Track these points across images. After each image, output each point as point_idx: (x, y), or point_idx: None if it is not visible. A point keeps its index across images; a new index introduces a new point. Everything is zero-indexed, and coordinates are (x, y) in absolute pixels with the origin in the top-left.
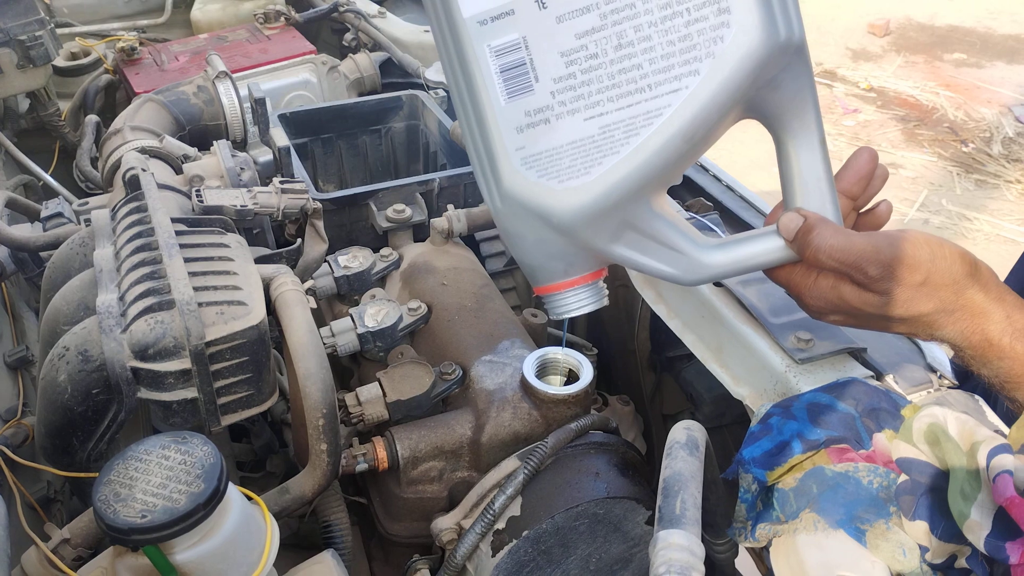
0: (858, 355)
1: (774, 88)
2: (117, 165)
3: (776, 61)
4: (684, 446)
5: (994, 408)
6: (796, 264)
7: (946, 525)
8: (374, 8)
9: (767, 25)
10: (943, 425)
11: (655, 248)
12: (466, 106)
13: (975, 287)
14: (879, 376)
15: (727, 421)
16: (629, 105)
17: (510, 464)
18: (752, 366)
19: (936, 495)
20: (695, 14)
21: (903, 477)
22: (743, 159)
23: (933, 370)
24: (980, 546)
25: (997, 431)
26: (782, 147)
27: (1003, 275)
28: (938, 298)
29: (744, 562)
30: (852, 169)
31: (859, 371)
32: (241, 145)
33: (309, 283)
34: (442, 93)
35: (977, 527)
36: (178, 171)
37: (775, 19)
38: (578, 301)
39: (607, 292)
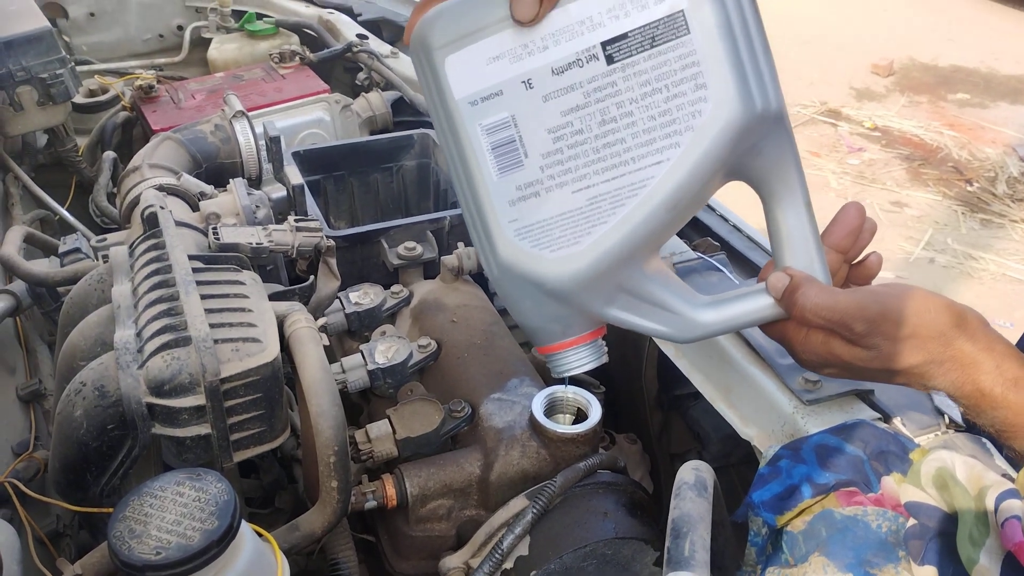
0: (866, 397)
1: (756, 155)
2: (135, 202)
3: (754, 131)
4: (692, 487)
5: (1001, 452)
6: (788, 320)
7: (955, 570)
8: (387, 48)
9: (743, 98)
10: (951, 469)
11: (649, 309)
12: (462, 180)
13: (963, 338)
14: (887, 418)
15: (734, 461)
16: (614, 177)
17: (518, 503)
18: (760, 406)
19: (945, 540)
20: (674, 90)
21: (912, 521)
22: (749, 197)
23: (940, 413)
24: None
25: (1005, 475)
26: (768, 208)
27: (1010, 315)
28: (926, 350)
29: None
30: (840, 224)
31: (867, 413)
32: (256, 182)
33: (322, 320)
34: None
35: (986, 572)
36: (195, 208)
37: (751, 92)
38: (578, 360)
39: (607, 349)
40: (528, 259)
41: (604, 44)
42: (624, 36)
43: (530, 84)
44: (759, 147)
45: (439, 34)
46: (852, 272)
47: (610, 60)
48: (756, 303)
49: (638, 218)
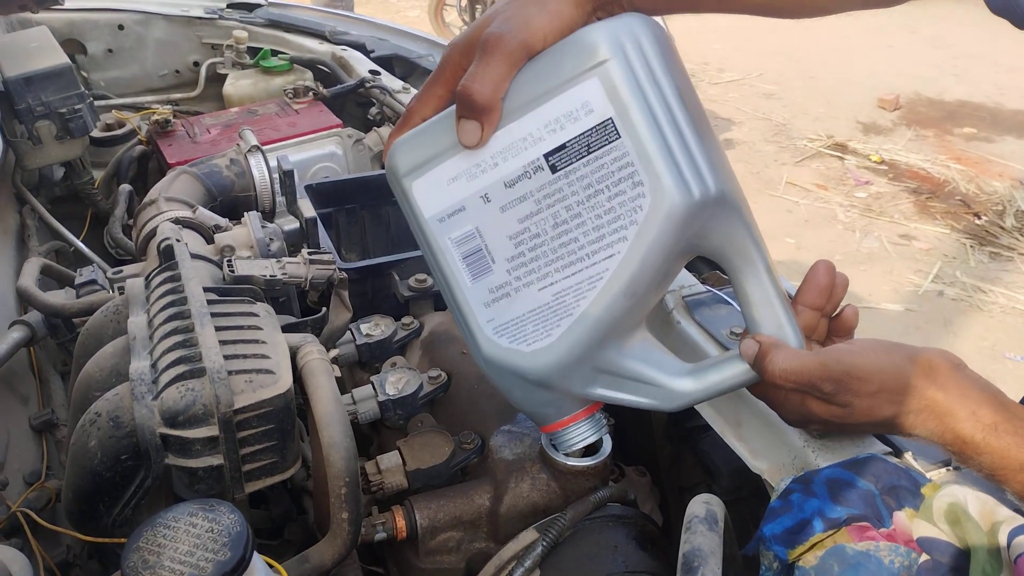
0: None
1: (706, 235)
2: (152, 234)
3: (698, 216)
4: (703, 520)
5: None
6: (766, 383)
7: None
8: (398, 84)
9: (680, 189)
10: (963, 504)
11: (631, 385)
12: (443, 287)
13: (933, 387)
14: (898, 453)
15: (744, 494)
16: (573, 273)
17: (528, 536)
18: (770, 440)
19: (957, 575)
20: (614, 189)
21: (924, 557)
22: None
23: None
24: None
25: (1017, 510)
26: (732, 279)
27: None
28: (897, 403)
29: None
30: (811, 284)
31: (877, 447)
32: (270, 215)
33: (334, 352)
34: None
35: None
36: (210, 241)
37: (686, 183)
38: (579, 435)
39: (606, 422)
40: (507, 354)
41: (546, 156)
42: (563, 147)
43: (488, 198)
44: (707, 228)
45: (402, 162)
46: (832, 326)
47: (554, 169)
48: (734, 369)
49: (600, 308)
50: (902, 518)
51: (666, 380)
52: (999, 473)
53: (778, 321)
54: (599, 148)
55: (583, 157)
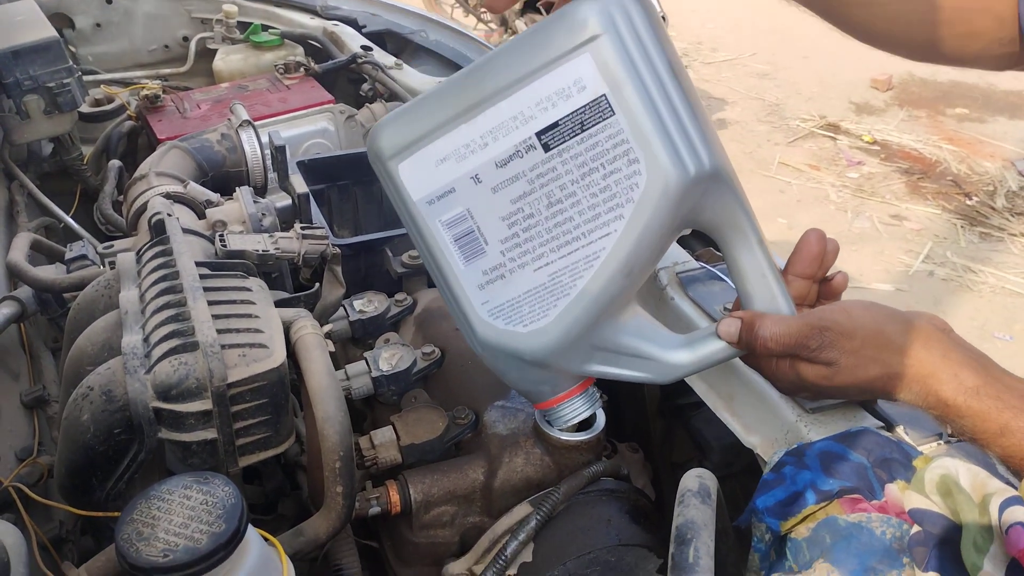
0: (868, 406)
1: (701, 210)
2: (142, 209)
3: (693, 191)
4: (696, 494)
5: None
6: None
7: None
8: (391, 60)
9: (675, 166)
10: (955, 476)
11: (626, 360)
12: (434, 271)
13: (916, 346)
14: (889, 427)
15: (736, 470)
16: (569, 253)
17: (522, 510)
18: (763, 415)
19: (949, 547)
20: (609, 167)
21: (916, 528)
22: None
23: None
24: None
25: (1008, 483)
26: (724, 252)
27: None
28: (882, 362)
29: None
30: (802, 254)
31: (869, 421)
32: (261, 191)
33: (327, 327)
34: None
35: None
36: (201, 216)
37: (682, 159)
38: (573, 411)
39: (599, 395)
40: (503, 336)
41: (538, 134)
42: (556, 125)
43: (478, 179)
44: (702, 204)
45: (387, 144)
46: (821, 290)
47: (547, 148)
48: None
49: (597, 287)
50: (894, 490)
51: (660, 353)
52: (980, 437)
53: (770, 292)
54: (593, 126)
55: (577, 135)
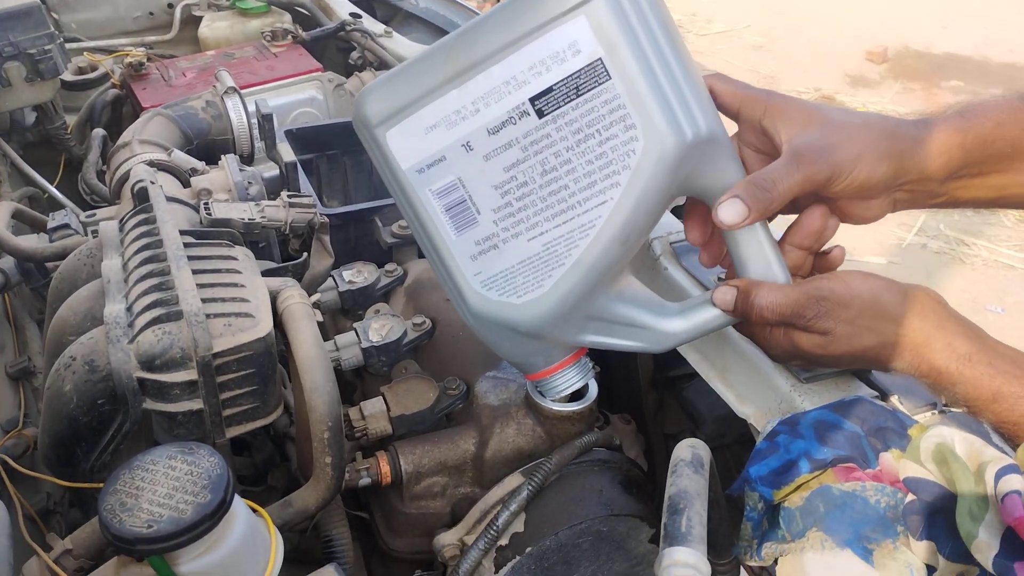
0: (863, 376)
1: (697, 176)
2: (125, 177)
3: (690, 157)
4: (689, 464)
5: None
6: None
7: (954, 545)
8: (380, 28)
9: (673, 131)
10: (950, 445)
11: (621, 329)
12: (424, 242)
13: (911, 316)
14: (884, 396)
15: (728, 441)
16: (564, 222)
17: (514, 480)
18: (757, 385)
19: (944, 515)
20: (605, 133)
21: (910, 497)
22: None
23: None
24: (988, 566)
25: (1002, 452)
26: None
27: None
28: (877, 331)
29: None
30: (804, 227)
31: (864, 391)
32: (248, 160)
33: (315, 297)
34: None
35: (985, 547)
36: (186, 184)
37: (679, 123)
38: (566, 381)
39: (591, 365)
40: (497, 307)
41: (532, 100)
42: (549, 90)
43: (470, 147)
44: (698, 169)
45: (374, 112)
46: (817, 263)
47: (540, 114)
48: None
49: (593, 256)
50: (888, 459)
51: (655, 322)
52: (973, 404)
53: (766, 261)
54: (588, 91)
55: (571, 100)
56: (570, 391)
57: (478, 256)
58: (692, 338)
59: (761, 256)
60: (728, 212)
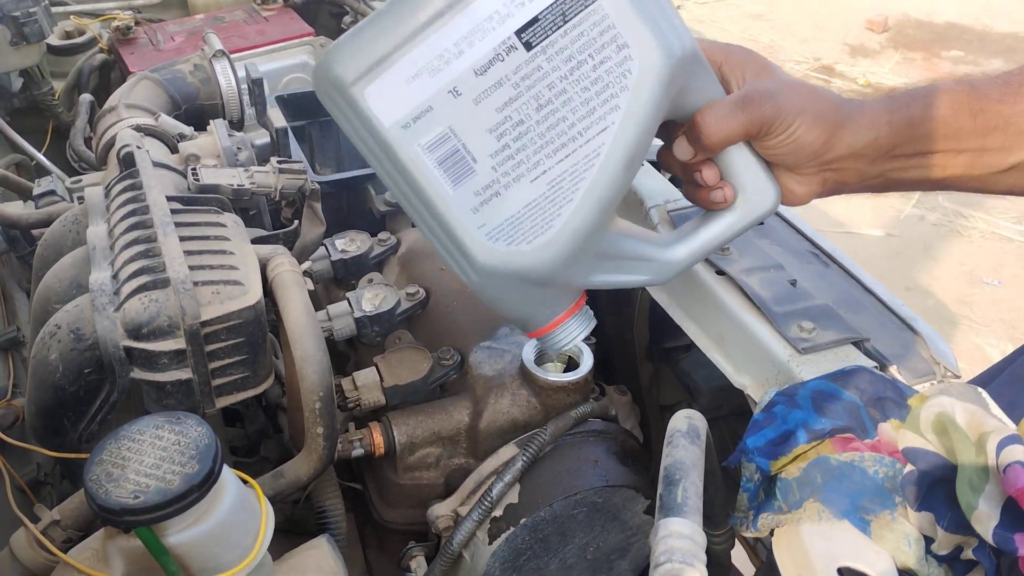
0: (862, 346)
1: (685, 94)
2: (111, 143)
3: (680, 73)
4: (685, 435)
5: (997, 401)
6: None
7: (952, 516)
8: None
9: (664, 47)
10: (951, 415)
11: (627, 264)
12: (416, 206)
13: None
14: (883, 367)
15: (724, 413)
16: (567, 155)
17: (508, 451)
18: (754, 355)
19: (943, 486)
20: (598, 57)
21: (909, 467)
22: None
23: (937, 362)
24: (988, 537)
25: (1002, 423)
26: None
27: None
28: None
29: (738, 554)
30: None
31: (863, 361)
32: (238, 126)
33: (306, 265)
34: None
35: (985, 518)
36: (173, 150)
37: (668, 39)
38: (571, 332)
39: (592, 313)
40: (508, 257)
41: (518, 32)
42: (535, 20)
43: (457, 92)
44: (686, 87)
45: (347, 71)
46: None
47: (528, 46)
48: (722, 223)
49: (602, 185)
50: (887, 429)
51: (659, 253)
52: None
53: (760, 179)
54: (575, 15)
55: (559, 28)
56: (575, 343)
57: (480, 207)
58: (695, 262)
59: (753, 175)
60: (676, 150)
